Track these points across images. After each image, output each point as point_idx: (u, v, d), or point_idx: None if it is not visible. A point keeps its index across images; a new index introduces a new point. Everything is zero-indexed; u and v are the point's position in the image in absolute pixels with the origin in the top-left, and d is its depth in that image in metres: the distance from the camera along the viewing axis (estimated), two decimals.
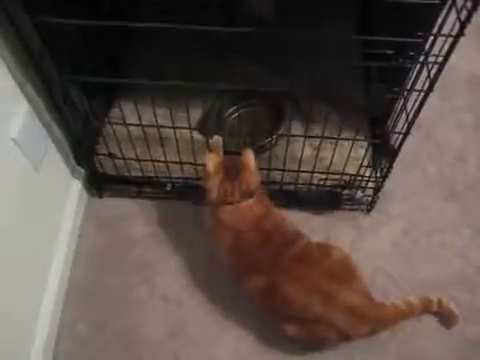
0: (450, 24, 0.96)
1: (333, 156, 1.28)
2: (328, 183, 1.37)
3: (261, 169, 1.34)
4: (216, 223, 1.20)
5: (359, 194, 1.41)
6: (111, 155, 1.36)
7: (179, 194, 1.46)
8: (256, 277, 1.15)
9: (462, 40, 0.94)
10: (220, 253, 1.22)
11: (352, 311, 1.12)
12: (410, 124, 1.16)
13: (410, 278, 1.35)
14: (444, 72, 1.02)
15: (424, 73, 1.08)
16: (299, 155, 1.28)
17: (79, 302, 1.34)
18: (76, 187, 1.44)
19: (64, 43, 1.12)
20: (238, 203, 1.16)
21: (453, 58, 0.99)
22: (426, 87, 1.07)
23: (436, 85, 1.05)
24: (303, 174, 1.35)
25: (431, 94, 1.08)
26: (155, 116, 1.18)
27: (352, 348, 1.24)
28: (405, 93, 1.16)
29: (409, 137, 1.20)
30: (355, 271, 1.17)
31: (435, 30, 1.01)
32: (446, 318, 1.27)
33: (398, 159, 1.28)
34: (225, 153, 1.32)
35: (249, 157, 1.16)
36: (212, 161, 1.15)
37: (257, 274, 1.15)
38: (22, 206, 1.17)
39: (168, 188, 1.44)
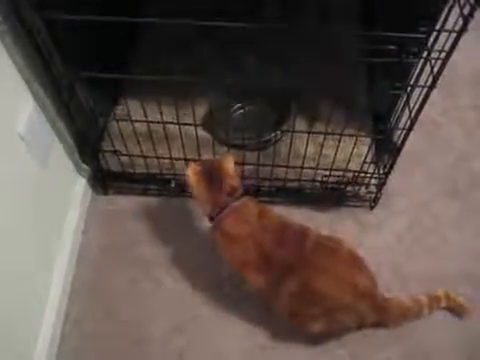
0: (453, 20, 0.97)
1: (336, 153, 1.29)
2: (331, 180, 1.38)
3: (265, 165, 1.36)
4: (227, 243, 1.18)
5: (362, 190, 1.41)
6: (116, 152, 1.36)
7: (183, 191, 1.47)
8: (288, 282, 1.12)
9: (465, 37, 0.95)
10: (248, 277, 1.19)
11: (367, 297, 1.15)
12: (413, 120, 1.17)
13: (414, 274, 1.36)
14: (447, 69, 1.03)
15: (427, 69, 1.09)
16: (303, 152, 1.29)
17: (84, 299, 1.35)
18: (81, 184, 1.46)
19: (72, 40, 1.13)
20: (229, 204, 1.15)
21: (456, 55, 1.00)
22: (429, 83, 1.08)
23: (439, 82, 1.06)
24: (307, 171, 1.36)
25: (434, 91, 1.08)
26: (160, 113, 1.19)
27: (356, 341, 1.25)
28: (408, 89, 1.17)
29: (412, 134, 1.21)
30: (362, 259, 1.18)
31: (438, 25, 1.02)
32: (456, 311, 1.28)
33: (401, 156, 1.29)
34: (232, 146, 1.33)
35: (228, 163, 1.16)
36: (192, 170, 1.16)
37: (288, 278, 1.12)
38: (27, 202, 1.18)
39: (173, 185, 1.45)
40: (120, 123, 1.29)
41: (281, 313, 1.21)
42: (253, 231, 1.15)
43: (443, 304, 1.27)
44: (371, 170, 1.37)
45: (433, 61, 1.06)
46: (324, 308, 1.13)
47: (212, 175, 1.15)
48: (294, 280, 1.12)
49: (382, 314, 1.20)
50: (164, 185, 1.47)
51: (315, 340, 1.25)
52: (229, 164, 1.16)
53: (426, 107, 1.13)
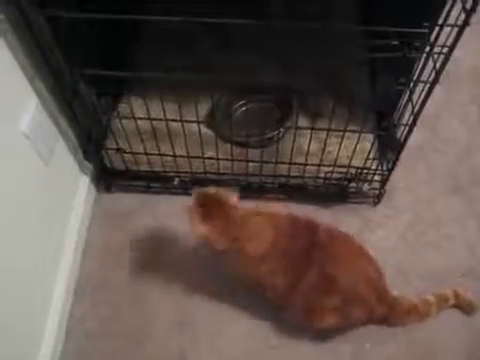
0: (455, 14, 0.97)
1: (339, 149, 1.29)
2: (334, 176, 1.38)
3: (268, 163, 1.36)
4: (252, 265, 1.15)
5: (366, 187, 1.41)
6: (119, 150, 1.37)
7: (187, 188, 1.47)
8: (307, 275, 1.11)
9: (467, 33, 0.95)
10: (266, 283, 1.18)
11: (376, 290, 1.16)
12: (416, 116, 1.17)
13: (417, 270, 1.36)
14: (449, 64, 1.03)
15: (430, 64, 1.09)
16: (306, 148, 1.30)
17: (88, 297, 1.35)
18: (85, 182, 1.46)
19: (74, 38, 1.13)
20: (241, 232, 1.11)
21: (458, 51, 0.99)
22: (432, 78, 1.08)
23: (441, 77, 1.06)
24: (310, 167, 1.36)
25: (437, 87, 1.08)
26: (163, 110, 1.19)
27: (361, 338, 1.25)
28: (411, 85, 1.17)
29: (414, 130, 1.21)
30: (369, 253, 1.19)
31: (441, 20, 1.02)
32: (464, 308, 1.28)
33: (404, 152, 1.29)
34: (234, 143, 1.31)
35: (230, 196, 1.10)
36: (200, 226, 1.10)
37: (307, 271, 1.11)
38: (31, 200, 1.18)
39: (176, 182, 1.45)
40: (123, 121, 1.29)
41: (295, 313, 1.19)
42: (272, 241, 1.12)
43: (451, 303, 1.26)
44: (374, 166, 1.37)
45: (436, 56, 1.06)
46: (340, 298, 1.13)
47: (215, 212, 1.09)
48: (313, 271, 1.11)
49: (389, 309, 1.20)
50: (167, 182, 1.47)
51: (320, 337, 1.25)
52: (231, 197, 1.10)
53: (429, 103, 1.13)
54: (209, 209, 1.10)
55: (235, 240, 1.11)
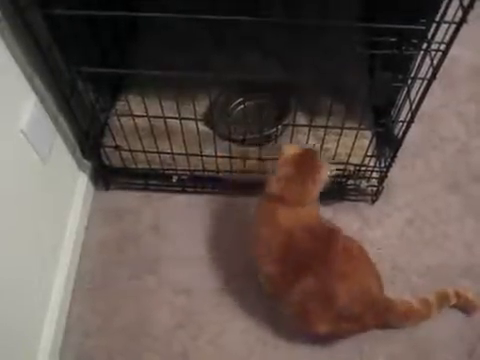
0: (453, 11, 0.97)
1: (337, 146, 1.29)
2: (333, 173, 1.38)
3: (266, 160, 1.36)
4: (270, 225, 1.16)
5: (364, 184, 1.41)
6: (117, 147, 1.37)
7: (185, 186, 1.48)
8: (306, 280, 1.10)
9: (465, 30, 0.95)
10: (266, 263, 1.17)
11: (375, 304, 1.15)
12: (414, 113, 1.17)
13: (415, 268, 1.36)
14: (446, 62, 1.03)
15: (427, 61, 1.09)
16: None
17: (87, 294, 1.35)
18: (83, 180, 1.46)
19: (72, 36, 1.13)
20: (295, 206, 1.14)
21: (456, 49, 0.99)
22: (429, 75, 1.08)
23: (439, 75, 1.06)
24: None
25: (434, 85, 1.08)
26: (161, 108, 1.19)
27: (360, 338, 1.24)
28: (409, 81, 1.17)
29: (412, 128, 1.21)
30: (372, 263, 1.18)
31: (438, 17, 1.02)
32: (466, 308, 1.28)
33: (402, 150, 1.28)
34: (232, 141, 1.32)
35: (325, 171, 1.15)
36: (289, 150, 1.15)
37: (306, 276, 1.10)
38: (30, 198, 1.18)
39: (174, 180, 1.45)
40: (121, 118, 1.29)
41: (288, 310, 1.19)
42: (294, 228, 1.13)
43: (452, 302, 1.26)
44: (372, 163, 1.37)
45: (433, 53, 1.06)
46: (336, 314, 1.11)
47: (304, 168, 1.13)
48: (312, 280, 1.10)
49: (385, 317, 1.19)
50: (166, 180, 1.47)
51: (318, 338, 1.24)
52: (325, 172, 1.15)
53: (426, 100, 1.13)
54: (301, 163, 1.14)
55: (279, 198, 1.13)
